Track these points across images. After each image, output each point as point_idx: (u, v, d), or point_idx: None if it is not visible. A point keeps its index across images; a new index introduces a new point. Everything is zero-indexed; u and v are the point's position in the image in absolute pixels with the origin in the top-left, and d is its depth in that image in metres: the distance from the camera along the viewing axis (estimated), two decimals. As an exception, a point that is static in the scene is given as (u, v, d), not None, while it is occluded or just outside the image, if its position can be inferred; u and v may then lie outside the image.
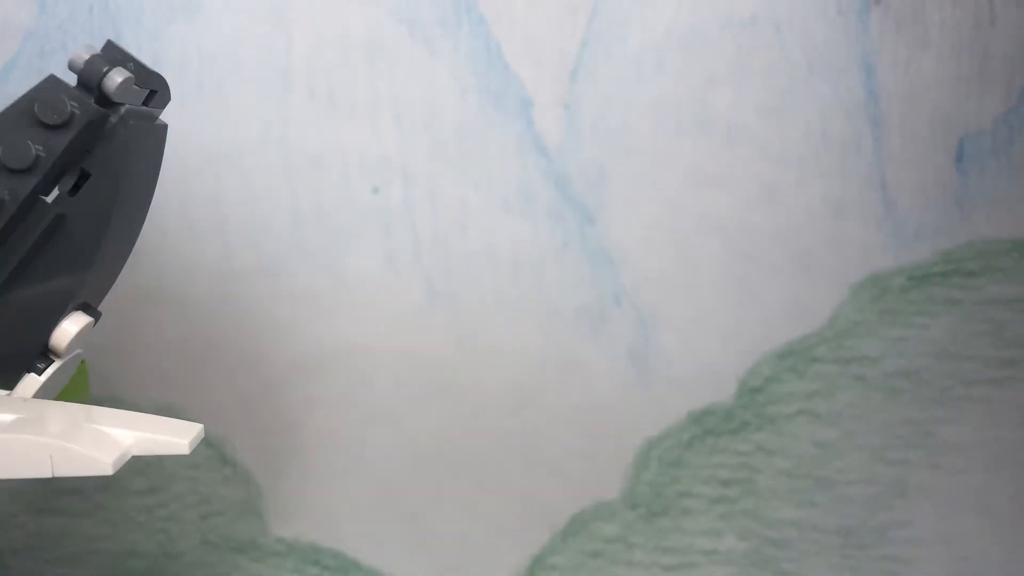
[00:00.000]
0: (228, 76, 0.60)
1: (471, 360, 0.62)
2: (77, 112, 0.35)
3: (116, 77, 0.36)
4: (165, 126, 0.41)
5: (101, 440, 0.35)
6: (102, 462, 0.34)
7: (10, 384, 0.37)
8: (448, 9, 0.60)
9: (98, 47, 0.37)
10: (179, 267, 0.61)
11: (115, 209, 0.37)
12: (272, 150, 0.61)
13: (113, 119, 0.37)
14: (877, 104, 0.61)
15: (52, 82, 0.36)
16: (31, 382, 0.38)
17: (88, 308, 0.39)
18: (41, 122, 0.35)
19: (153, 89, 0.39)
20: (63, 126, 0.35)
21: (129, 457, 0.35)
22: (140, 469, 0.60)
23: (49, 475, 0.34)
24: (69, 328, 0.38)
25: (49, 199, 0.37)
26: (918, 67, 0.61)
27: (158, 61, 0.60)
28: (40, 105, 0.35)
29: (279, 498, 0.64)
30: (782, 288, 0.62)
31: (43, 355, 0.38)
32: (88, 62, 0.36)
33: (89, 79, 0.36)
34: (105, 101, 0.36)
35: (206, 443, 0.64)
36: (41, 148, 0.35)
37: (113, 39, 0.60)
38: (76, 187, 0.37)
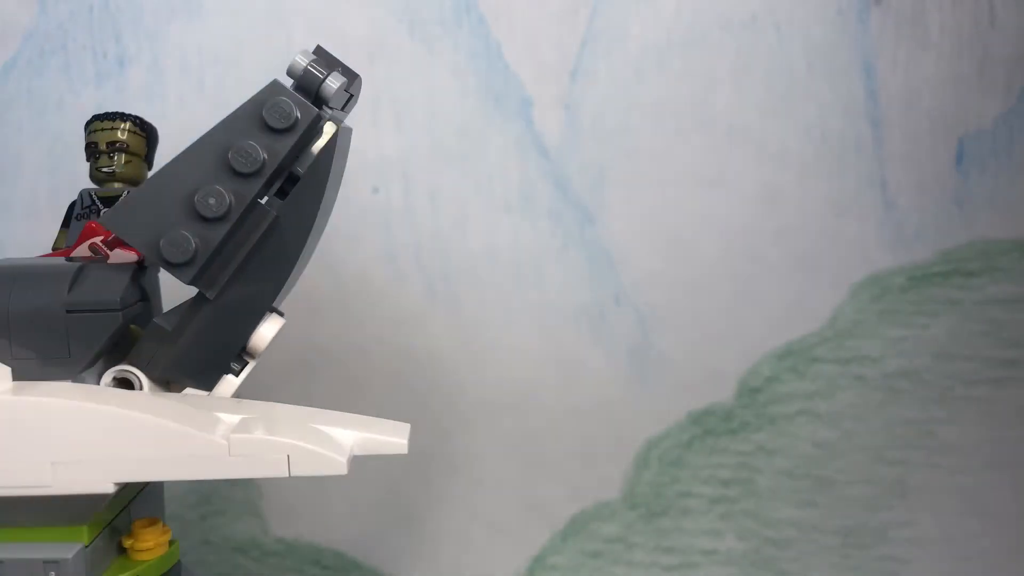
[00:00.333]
0: (228, 76, 0.60)
1: (471, 360, 0.62)
2: (299, 117, 0.35)
3: (333, 83, 0.36)
4: (351, 129, 0.41)
5: (327, 440, 0.35)
6: (338, 462, 0.34)
7: (209, 386, 0.37)
8: (448, 9, 0.60)
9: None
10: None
11: (319, 211, 0.37)
12: (272, 150, 0.61)
13: (321, 123, 0.37)
14: (877, 104, 0.61)
15: (276, 87, 0.36)
16: (229, 383, 0.38)
17: (275, 310, 0.39)
18: (268, 126, 0.35)
19: (351, 93, 0.39)
20: (287, 130, 0.35)
21: (351, 457, 0.35)
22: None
23: (285, 475, 0.34)
24: (267, 331, 0.38)
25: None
26: (918, 67, 0.61)
27: (158, 61, 0.60)
28: (268, 110, 0.35)
29: (279, 498, 0.64)
30: (782, 288, 0.62)
31: (238, 357, 0.38)
32: (307, 68, 0.36)
33: (308, 84, 0.36)
34: (317, 105, 0.36)
35: (206, 443, 0.64)
36: (265, 151, 0.35)
37: (113, 39, 0.61)
38: (281, 190, 0.37)
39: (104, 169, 0.44)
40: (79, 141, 0.61)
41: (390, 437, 0.36)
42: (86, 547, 0.36)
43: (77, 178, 0.61)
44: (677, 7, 0.60)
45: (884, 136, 0.61)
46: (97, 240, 0.40)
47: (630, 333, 0.62)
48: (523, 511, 0.64)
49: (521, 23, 0.60)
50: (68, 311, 0.34)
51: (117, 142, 0.44)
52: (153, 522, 0.40)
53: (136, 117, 0.45)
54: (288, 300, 0.64)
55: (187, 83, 0.60)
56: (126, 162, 0.44)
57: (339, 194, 0.61)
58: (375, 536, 0.65)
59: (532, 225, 0.62)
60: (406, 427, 0.37)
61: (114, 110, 0.46)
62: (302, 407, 0.37)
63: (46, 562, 0.35)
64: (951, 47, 0.60)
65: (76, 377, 0.35)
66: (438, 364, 0.62)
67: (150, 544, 0.39)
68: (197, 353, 0.37)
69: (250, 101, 0.35)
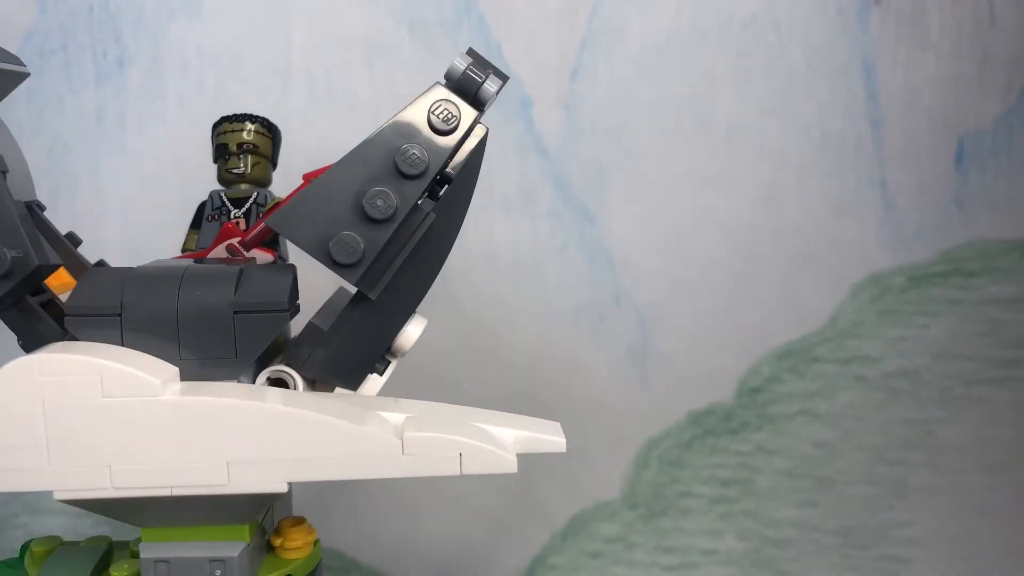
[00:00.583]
0: (228, 76, 0.60)
1: (471, 360, 0.62)
2: (461, 119, 0.36)
3: (492, 87, 0.36)
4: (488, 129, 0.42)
5: (493, 439, 0.35)
6: (509, 460, 0.34)
7: (356, 385, 0.38)
8: (448, 9, 0.60)
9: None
10: (179, 267, 0.61)
11: (466, 211, 0.37)
12: (272, 150, 0.61)
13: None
14: (877, 104, 0.61)
15: (440, 90, 0.36)
16: (374, 382, 0.38)
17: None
18: (432, 128, 0.35)
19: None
20: (450, 132, 0.35)
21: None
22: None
23: (456, 473, 0.34)
24: (413, 331, 0.38)
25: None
26: (918, 67, 0.61)
27: (158, 61, 0.60)
28: (433, 112, 0.35)
29: (279, 498, 0.64)
30: (782, 288, 0.62)
31: (381, 356, 0.39)
32: (466, 71, 0.36)
33: (467, 87, 0.36)
34: (474, 107, 0.37)
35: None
36: (429, 154, 0.35)
37: (113, 39, 0.61)
38: (431, 191, 0.37)
39: (235, 171, 0.44)
40: (79, 141, 0.61)
41: (549, 435, 0.36)
42: (248, 545, 0.37)
43: (76, 178, 0.61)
44: (677, 7, 0.60)
45: (884, 136, 0.61)
46: (234, 241, 0.40)
47: (630, 333, 0.62)
48: (523, 511, 0.64)
49: (521, 23, 0.60)
50: (235, 312, 0.35)
51: (246, 143, 0.44)
52: (299, 521, 0.40)
53: (263, 118, 0.46)
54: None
55: (187, 83, 0.60)
56: (254, 163, 0.45)
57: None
58: (375, 536, 0.65)
59: (532, 225, 0.62)
60: (557, 425, 0.37)
61: (242, 112, 0.46)
62: (457, 406, 0.38)
63: (212, 560, 0.35)
64: (951, 47, 0.60)
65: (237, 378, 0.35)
66: (438, 364, 0.62)
67: (299, 543, 0.39)
68: (350, 353, 0.37)
69: (414, 104, 0.35)
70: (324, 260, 0.34)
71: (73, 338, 0.34)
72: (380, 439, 0.34)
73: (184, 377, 0.34)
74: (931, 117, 0.61)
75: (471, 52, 0.36)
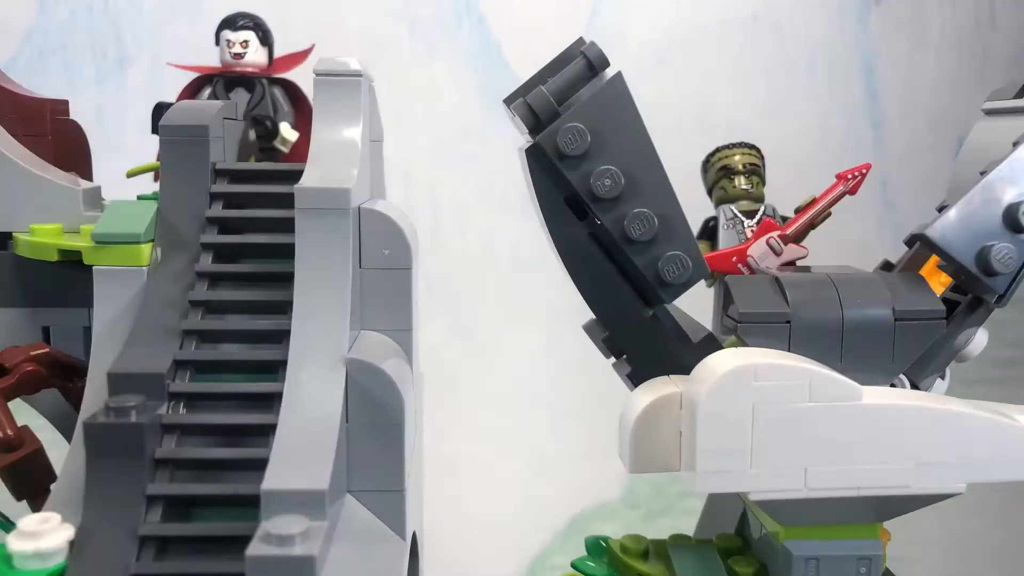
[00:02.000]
0: (228, 76, 0.60)
1: (471, 360, 0.62)
2: None
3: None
4: None
5: None
6: None
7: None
8: (448, 9, 0.60)
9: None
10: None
11: None
12: (272, 150, 0.61)
13: None
14: (877, 104, 0.61)
15: None
16: (937, 386, 0.40)
17: None
18: None
19: None
20: None
21: None
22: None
23: None
24: (983, 338, 0.41)
25: None
26: (918, 67, 0.61)
27: (158, 61, 0.60)
28: None
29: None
30: (782, 288, 0.62)
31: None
32: None
33: None
34: None
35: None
36: None
37: (113, 39, 0.60)
38: None
39: (742, 187, 0.49)
40: (79, 141, 0.61)
41: None
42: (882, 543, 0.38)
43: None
44: (677, 7, 0.60)
45: (884, 136, 0.61)
46: (775, 235, 0.45)
47: (630, 333, 0.62)
48: (523, 511, 0.64)
49: (521, 23, 0.60)
50: (897, 319, 0.36)
51: (752, 164, 0.50)
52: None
53: (756, 145, 0.50)
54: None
55: (187, 83, 0.60)
56: (756, 183, 0.50)
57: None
58: (375, 536, 0.65)
59: (532, 225, 0.61)
60: None
61: (737, 140, 0.50)
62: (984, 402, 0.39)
63: (859, 559, 0.38)
64: (951, 47, 0.60)
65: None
66: (438, 364, 0.62)
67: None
68: (933, 358, 0.39)
69: None
70: (977, 269, 0.36)
71: (701, 349, 0.36)
72: None
73: None
74: (931, 117, 0.61)
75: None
